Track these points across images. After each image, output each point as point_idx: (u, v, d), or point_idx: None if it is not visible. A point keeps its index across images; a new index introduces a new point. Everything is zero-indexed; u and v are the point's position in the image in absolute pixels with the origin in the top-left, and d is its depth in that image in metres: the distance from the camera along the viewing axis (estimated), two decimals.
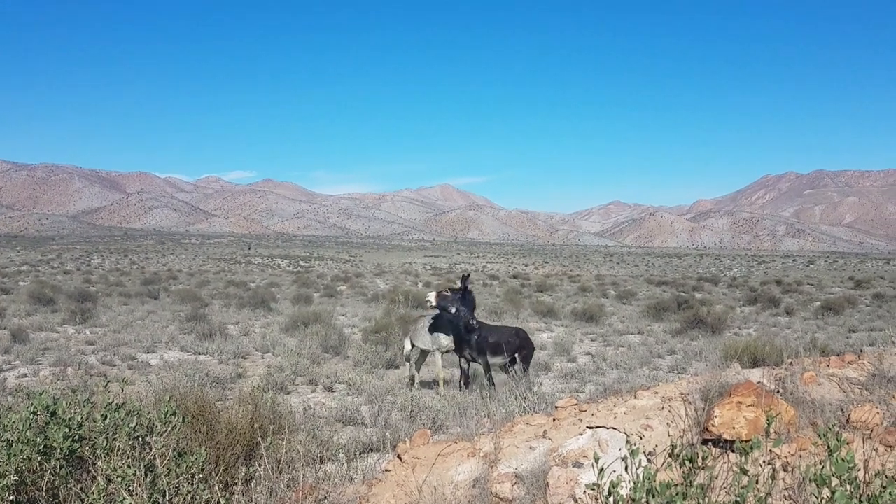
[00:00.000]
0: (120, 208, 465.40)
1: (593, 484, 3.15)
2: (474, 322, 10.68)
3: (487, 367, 10.71)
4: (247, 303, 27.78)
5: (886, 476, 2.97)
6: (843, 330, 21.44)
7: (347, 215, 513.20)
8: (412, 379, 12.03)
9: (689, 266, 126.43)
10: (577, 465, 4.45)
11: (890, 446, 4.30)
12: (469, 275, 11.39)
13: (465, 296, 10.92)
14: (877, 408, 4.57)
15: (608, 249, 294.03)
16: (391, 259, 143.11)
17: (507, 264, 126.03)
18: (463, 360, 11.04)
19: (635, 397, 5.07)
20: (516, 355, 10.97)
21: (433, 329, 11.35)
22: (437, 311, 11.17)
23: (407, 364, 12.48)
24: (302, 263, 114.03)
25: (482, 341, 10.66)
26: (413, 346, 12.03)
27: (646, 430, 4.62)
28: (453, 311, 10.56)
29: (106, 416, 4.33)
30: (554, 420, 5.06)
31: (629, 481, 3.07)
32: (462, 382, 11.01)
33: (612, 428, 4.68)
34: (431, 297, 10.79)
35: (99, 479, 4.05)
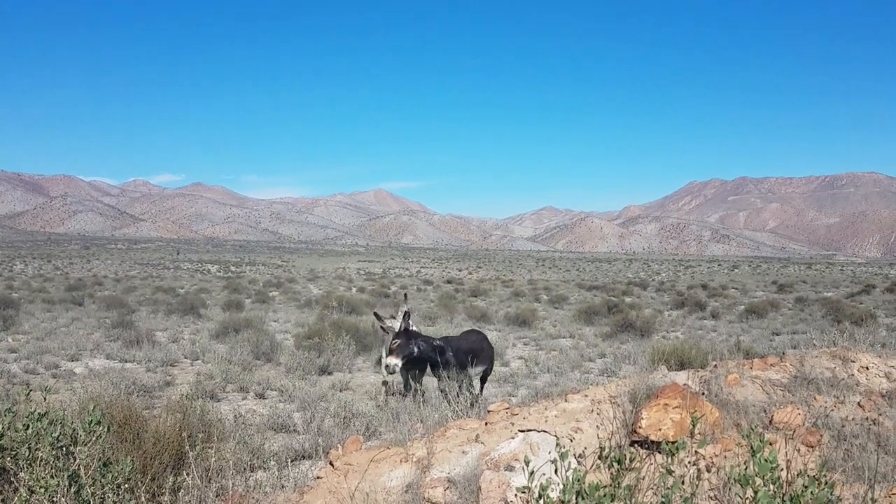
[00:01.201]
0: (43, 212, 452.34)
1: (524, 487, 3.18)
2: (438, 342, 9.89)
3: (470, 382, 9.84)
4: (175, 309, 27.19)
5: (808, 476, 3.06)
6: (767, 333, 21.99)
7: (280, 220, 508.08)
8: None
9: (619, 271, 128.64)
10: (509, 468, 4.48)
11: (811, 446, 4.44)
12: (408, 311, 10.60)
13: (408, 329, 10.21)
14: (798, 409, 4.72)
15: (540, 254, 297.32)
16: (324, 264, 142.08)
17: (441, 269, 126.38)
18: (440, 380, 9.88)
19: (566, 400, 5.14)
20: (492, 361, 10.46)
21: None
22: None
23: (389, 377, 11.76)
24: (233, 269, 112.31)
25: (458, 355, 9.82)
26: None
27: (576, 432, 4.68)
28: (416, 350, 9.93)
29: (28, 426, 4.21)
30: (487, 424, 5.09)
31: (559, 484, 3.10)
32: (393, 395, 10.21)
33: (544, 431, 4.73)
34: (392, 360, 9.73)
35: (21, 489, 3.94)
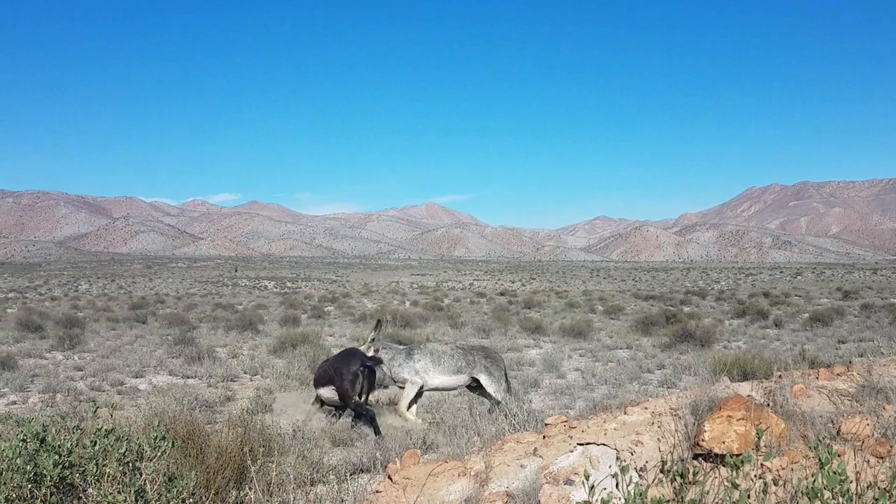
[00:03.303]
0: (106, 233, 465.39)
1: (584, 501, 3.15)
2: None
3: (321, 402, 10.14)
4: (234, 325, 27.63)
5: (878, 487, 2.98)
6: (832, 341, 21.42)
7: (333, 236, 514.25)
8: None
9: (676, 280, 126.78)
10: (569, 482, 4.44)
11: (881, 457, 4.31)
12: (374, 337, 10.77)
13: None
14: (867, 419, 4.59)
15: (594, 264, 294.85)
16: (378, 278, 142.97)
17: (494, 281, 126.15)
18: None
19: (625, 413, 5.07)
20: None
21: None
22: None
23: None
24: (289, 285, 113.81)
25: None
26: None
27: (636, 445, 4.62)
28: None
29: (95, 442, 4.31)
30: (544, 437, 5.05)
31: (620, 498, 3.07)
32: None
33: (603, 444, 4.67)
34: None
35: None
